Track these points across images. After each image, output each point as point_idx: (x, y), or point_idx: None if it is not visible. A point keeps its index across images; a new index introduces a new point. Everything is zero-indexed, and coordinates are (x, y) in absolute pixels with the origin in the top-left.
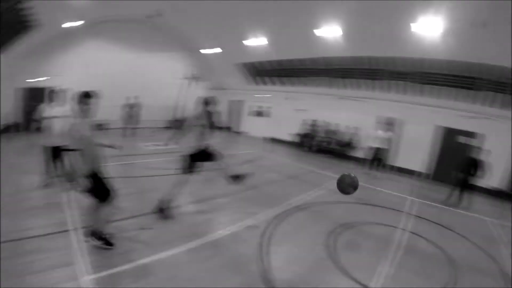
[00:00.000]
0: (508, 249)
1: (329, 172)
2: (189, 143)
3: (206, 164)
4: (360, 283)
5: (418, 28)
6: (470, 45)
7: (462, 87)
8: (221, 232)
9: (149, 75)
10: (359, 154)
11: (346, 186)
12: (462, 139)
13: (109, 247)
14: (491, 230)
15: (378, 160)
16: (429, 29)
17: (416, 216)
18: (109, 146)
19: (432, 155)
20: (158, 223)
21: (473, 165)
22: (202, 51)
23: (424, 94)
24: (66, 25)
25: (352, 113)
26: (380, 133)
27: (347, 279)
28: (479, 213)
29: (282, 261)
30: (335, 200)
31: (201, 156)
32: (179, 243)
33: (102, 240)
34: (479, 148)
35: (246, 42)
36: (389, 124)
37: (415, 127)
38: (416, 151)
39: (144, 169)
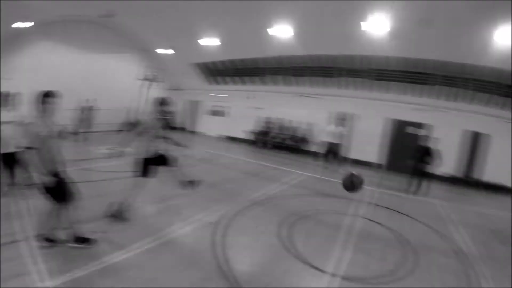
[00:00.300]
0: (457, 227)
1: (284, 167)
2: (143, 146)
3: (161, 168)
4: (317, 269)
5: (368, 27)
6: (417, 43)
7: (410, 82)
8: (179, 231)
9: (103, 77)
10: (314, 148)
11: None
12: (411, 130)
13: (85, 245)
14: (445, 212)
15: (332, 153)
16: (378, 27)
17: (371, 203)
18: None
19: (384, 146)
20: (114, 226)
21: (426, 154)
22: (157, 51)
23: (374, 90)
24: (16, 25)
25: (307, 110)
26: (333, 127)
27: (305, 265)
28: (435, 198)
29: (240, 254)
30: (291, 193)
31: (156, 159)
32: (136, 244)
33: (77, 240)
34: (428, 138)
35: (200, 42)
36: (342, 119)
37: (367, 120)
38: (369, 143)
39: (96, 173)
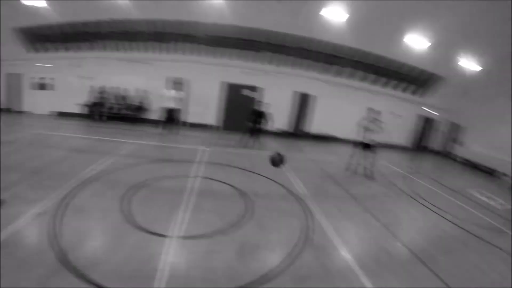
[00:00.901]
0: (294, 173)
1: (121, 138)
2: None
3: None
4: (160, 235)
5: None
6: (255, 13)
7: (244, 49)
8: (8, 230)
9: None
10: (152, 116)
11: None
12: (246, 92)
13: None
14: None
15: (171, 119)
16: None
17: (210, 162)
18: None
19: (220, 109)
20: None
21: (259, 116)
22: None
23: (210, 55)
24: None
25: (142, 77)
26: (170, 93)
27: (147, 234)
28: (271, 150)
29: (80, 239)
30: (128, 164)
31: None
32: None
33: None
34: (261, 102)
35: (24, 2)
36: (178, 84)
37: (203, 84)
38: (206, 106)
39: None
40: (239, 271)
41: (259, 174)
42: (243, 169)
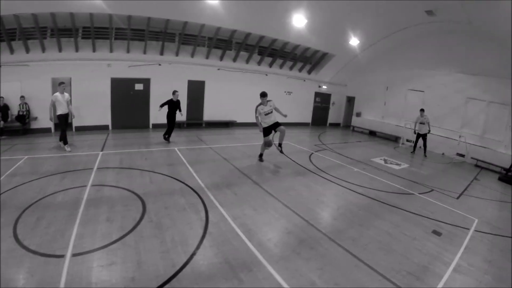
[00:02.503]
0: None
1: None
2: None
3: None
4: (55, 256)
5: None
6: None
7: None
8: None
9: None
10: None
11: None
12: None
13: None
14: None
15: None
16: None
17: (107, 168)
18: None
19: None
20: None
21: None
22: None
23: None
24: None
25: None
26: (65, 96)
27: (41, 257)
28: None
29: None
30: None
31: None
32: None
33: None
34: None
35: None
36: (63, 85)
37: (89, 83)
38: (97, 106)
39: None
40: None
41: (160, 174)
42: (142, 170)
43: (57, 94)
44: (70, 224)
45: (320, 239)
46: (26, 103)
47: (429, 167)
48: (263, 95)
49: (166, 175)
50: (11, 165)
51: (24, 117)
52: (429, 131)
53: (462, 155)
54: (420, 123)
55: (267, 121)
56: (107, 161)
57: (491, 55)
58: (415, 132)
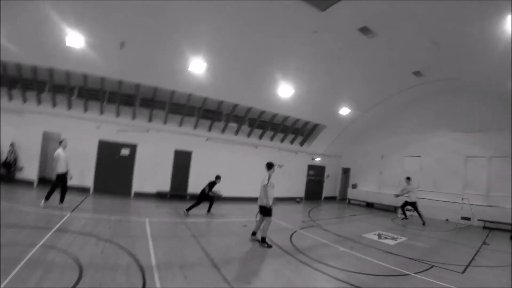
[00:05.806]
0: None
1: None
2: None
3: None
4: None
5: None
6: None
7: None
8: None
9: None
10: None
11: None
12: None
13: None
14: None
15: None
16: None
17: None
18: None
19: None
20: None
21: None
22: None
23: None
24: None
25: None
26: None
27: None
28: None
29: None
30: None
31: None
32: None
33: None
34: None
35: None
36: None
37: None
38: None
39: None
40: None
41: (116, 245)
42: (99, 239)
43: (59, 151)
44: None
45: None
46: (14, 151)
47: (430, 238)
48: (272, 165)
49: (121, 247)
50: None
51: (10, 165)
52: (397, 195)
53: (468, 219)
54: (409, 191)
55: (271, 197)
56: (70, 224)
57: (485, 109)
58: (396, 196)
